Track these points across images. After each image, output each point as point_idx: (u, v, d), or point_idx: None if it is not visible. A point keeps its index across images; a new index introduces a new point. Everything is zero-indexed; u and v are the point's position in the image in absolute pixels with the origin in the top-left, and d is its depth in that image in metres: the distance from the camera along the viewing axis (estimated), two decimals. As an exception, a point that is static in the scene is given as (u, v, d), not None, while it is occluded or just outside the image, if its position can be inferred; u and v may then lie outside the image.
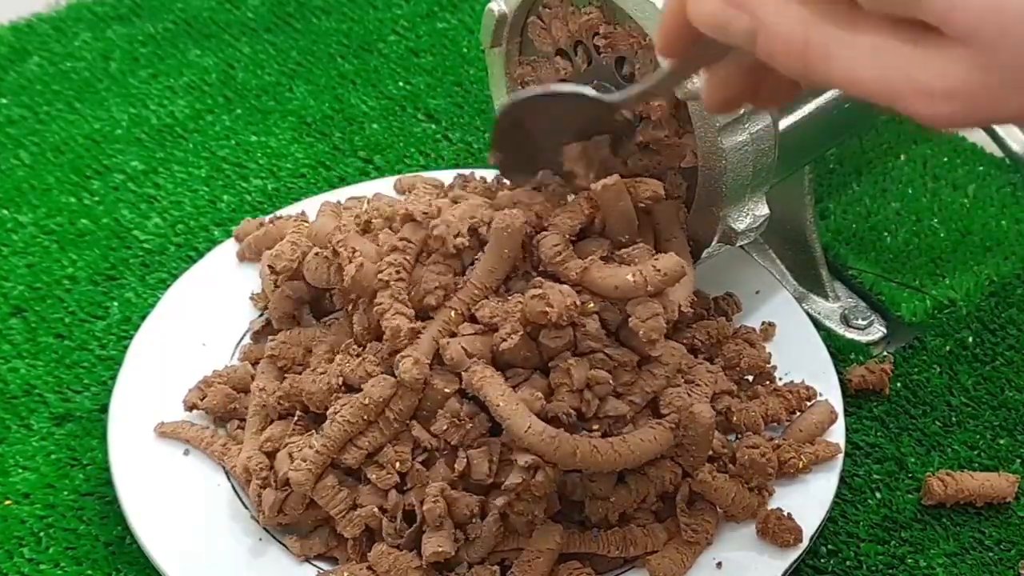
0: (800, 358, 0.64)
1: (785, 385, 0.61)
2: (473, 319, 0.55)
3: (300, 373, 0.58)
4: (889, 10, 0.33)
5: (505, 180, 0.61)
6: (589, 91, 0.52)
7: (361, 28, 0.95)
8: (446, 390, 0.53)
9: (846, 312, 0.70)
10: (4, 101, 0.87)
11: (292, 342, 0.60)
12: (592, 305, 0.54)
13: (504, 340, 0.53)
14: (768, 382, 0.62)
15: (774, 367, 0.62)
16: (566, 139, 0.56)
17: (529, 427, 0.51)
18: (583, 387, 0.53)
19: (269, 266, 0.62)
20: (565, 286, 0.53)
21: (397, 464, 0.54)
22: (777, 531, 0.55)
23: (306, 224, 0.66)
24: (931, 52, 0.33)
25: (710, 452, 0.56)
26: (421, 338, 0.54)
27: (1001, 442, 0.64)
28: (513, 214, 0.54)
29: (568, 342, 0.53)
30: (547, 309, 0.52)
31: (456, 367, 0.53)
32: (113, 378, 0.63)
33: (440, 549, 0.52)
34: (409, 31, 0.95)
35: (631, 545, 0.55)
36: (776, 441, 0.58)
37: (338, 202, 0.70)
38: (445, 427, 0.53)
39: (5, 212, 0.78)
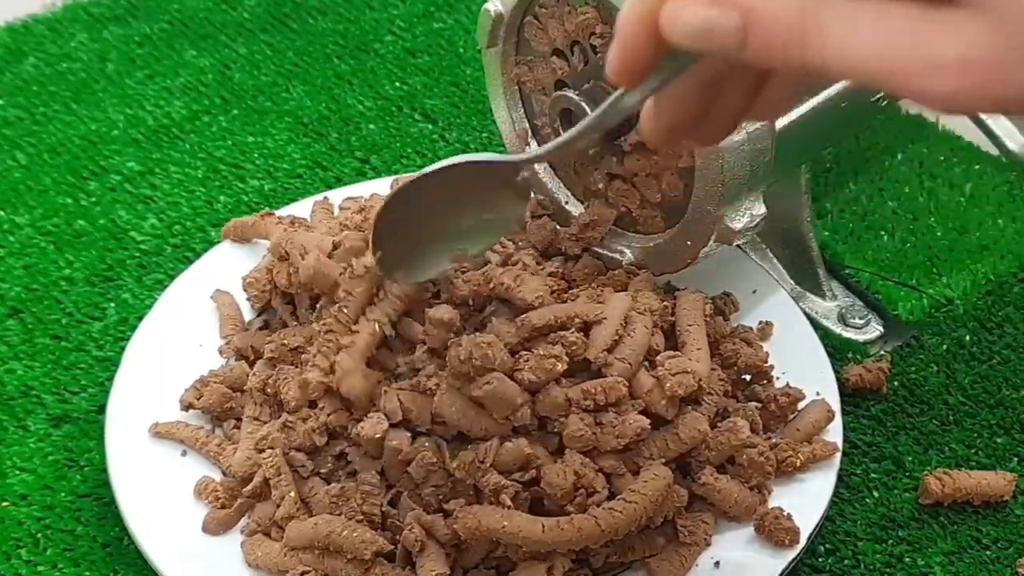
0: (797, 357, 0.64)
1: (767, 394, 0.61)
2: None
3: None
4: None
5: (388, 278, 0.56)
6: (490, 156, 0.48)
7: (357, 28, 0.95)
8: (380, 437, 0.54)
9: (843, 311, 0.70)
10: (0, 102, 0.87)
11: (289, 342, 0.60)
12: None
13: (436, 395, 0.53)
14: (766, 381, 0.62)
15: (771, 367, 0.62)
16: (461, 216, 0.51)
17: (543, 527, 0.51)
18: (576, 479, 0.53)
19: (244, 289, 0.64)
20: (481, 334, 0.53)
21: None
22: (775, 530, 0.55)
23: (289, 224, 0.66)
24: (941, 21, 0.30)
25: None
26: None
27: (998, 441, 0.64)
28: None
29: (506, 400, 0.52)
30: (458, 351, 0.51)
31: (390, 418, 0.53)
32: (110, 379, 0.63)
33: (434, 573, 0.52)
34: (406, 31, 0.95)
35: (629, 551, 0.55)
36: (773, 440, 0.58)
37: (325, 198, 0.70)
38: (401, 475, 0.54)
39: (2, 213, 0.78)
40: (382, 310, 0.56)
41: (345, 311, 0.56)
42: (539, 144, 0.67)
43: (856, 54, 0.31)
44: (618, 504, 0.52)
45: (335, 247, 0.60)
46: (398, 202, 0.49)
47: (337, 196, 0.72)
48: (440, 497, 0.53)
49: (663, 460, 0.55)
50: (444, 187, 0.48)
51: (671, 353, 0.56)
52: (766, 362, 0.62)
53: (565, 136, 0.43)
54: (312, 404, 0.57)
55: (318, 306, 0.59)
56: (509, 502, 0.52)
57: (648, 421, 0.53)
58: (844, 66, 0.31)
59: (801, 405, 0.60)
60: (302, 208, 0.71)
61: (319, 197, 0.72)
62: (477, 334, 0.52)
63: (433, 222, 0.50)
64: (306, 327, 0.60)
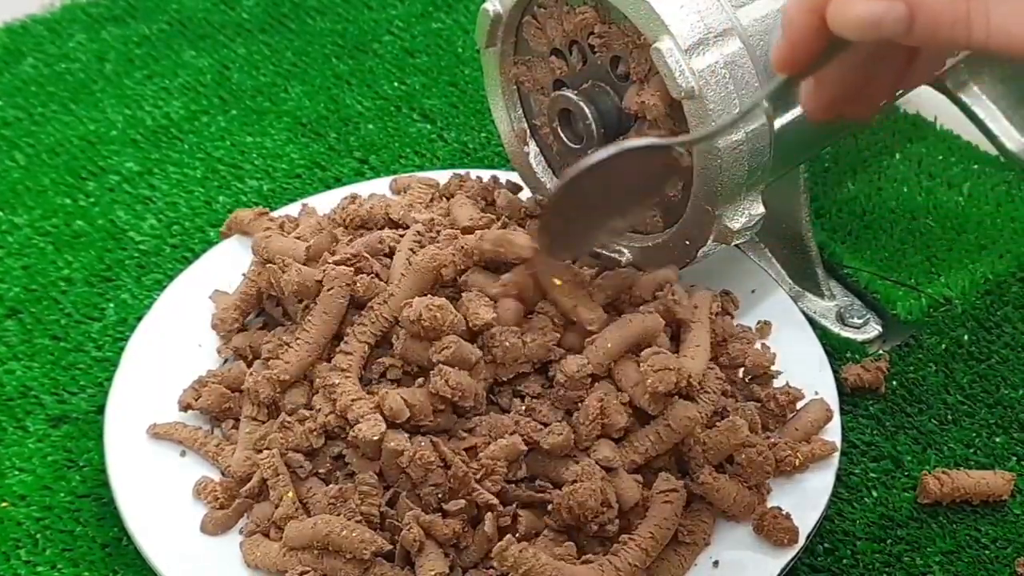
0: (796, 357, 0.64)
1: (767, 392, 0.61)
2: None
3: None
4: None
5: (550, 260, 0.58)
6: (657, 141, 0.50)
7: (356, 29, 0.95)
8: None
9: (842, 310, 0.70)
10: (-1, 103, 0.87)
11: (284, 341, 0.60)
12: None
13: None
14: (765, 381, 0.62)
15: (778, 372, 0.62)
16: (621, 198, 0.53)
17: None
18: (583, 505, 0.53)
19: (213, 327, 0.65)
20: None
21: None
22: (773, 530, 0.55)
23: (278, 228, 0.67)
24: None
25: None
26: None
27: (997, 440, 0.64)
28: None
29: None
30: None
31: (397, 417, 0.54)
32: (109, 379, 0.63)
33: (433, 572, 0.52)
34: (404, 31, 0.95)
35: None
36: (772, 440, 0.58)
37: (304, 205, 0.71)
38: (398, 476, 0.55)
39: (1, 214, 0.78)
40: (370, 329, 0.57)
41: (311, 319, 0.58)
42: (538, 144, 0.67)
43: (1018, 33, 0.33)
44: (645, 541, 0.53)
45: (308, 250, 0.61)
46: (566, 191, 0.50)
47: (336, 196, 0.71)
48: (439, 496, 0.53)
49: (657, 454, 0.55)
50: (603, 171, 0.49)
51: (655, 349, 0.56)
52: (772, 363, 0.62)
53: (728, 119, 0.45)
54: (308, 405, 0.57)
55: (301, 309, 0.60)
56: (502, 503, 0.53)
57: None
58: (1006, 44, 0.34)
59: (800, 404, 0.61)
60: (296, 211, 0.71)
61: (320, 198, 0.72)
62: (429, 296, 0.55)
63: (592, 202, 0.51)
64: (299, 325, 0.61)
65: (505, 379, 0.56)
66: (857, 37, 0.35)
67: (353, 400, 0.54)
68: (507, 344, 0.55)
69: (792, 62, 0.38)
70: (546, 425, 0.55)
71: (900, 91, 0.43)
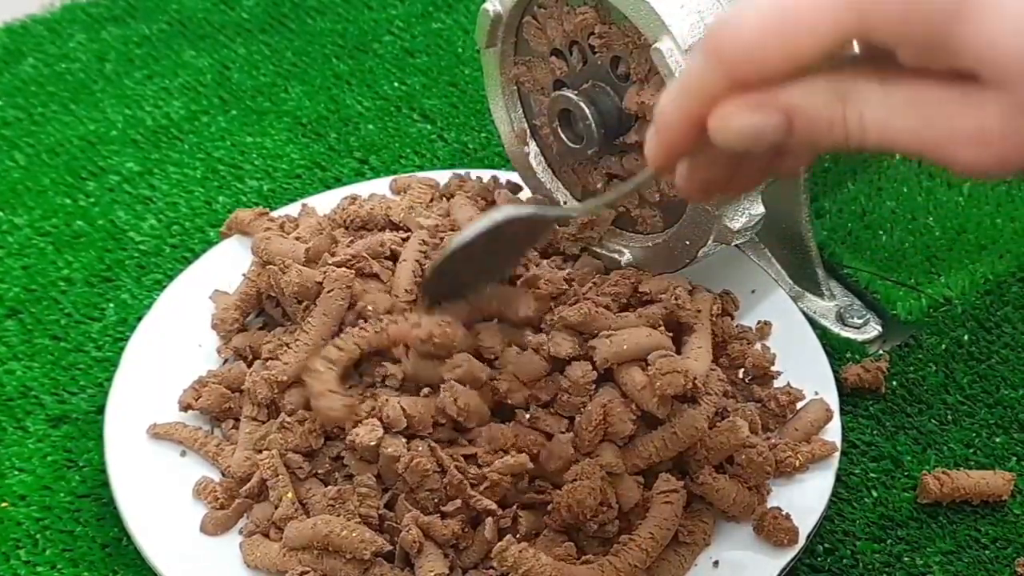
0: (796, 357, 0.64)
1: (768, 392, 0.61)
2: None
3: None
4: (924, 62, 0.33)
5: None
6: (532, 210, 0.52)
7: (356, 29, 0.95)
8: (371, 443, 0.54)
9: (842, 311, 0.70)
10: (-1, 103, 0.87)
11: (284, 341, 0.60)
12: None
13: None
14: (765, 381, 0.62)
15: (778, 372, 0.62)
16: (498, 253, 0.54)
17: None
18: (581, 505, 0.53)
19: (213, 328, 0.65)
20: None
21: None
22: (773, 530, 0.55)
23: (278, 228, 0.67)
24: (966, 98, 0.33)
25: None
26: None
27: (997, 440, 0.64)
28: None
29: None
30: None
31: (393, 426, 0.54)
32: (109, 380, 0.63)
33: (433, 573, 0.52)
34: (404, 31, 0.95)
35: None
36: (772, 440, 0.58)
37: (304, 205, 0.71)
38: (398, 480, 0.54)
39: (1, 214, 0.78)
40: (364, 335, 0.57)
41: (311, 321, 0.58)
42: (538, 144, 0.67)
43: (892, 134, 0.34)
44: (645, 541, 0.53)
45: (307, 252, 0.61)
46: (448, 260, 0.51)
47: (336, 196, 0.72)
48: (436, 501, 0.53)
49: (660, 460, 0.55)
50: (486, 237, 0.49)
51: (663, 352, 0.56)
52: (773, 363, 0.62)
53: (605, 197, 0.49)
54: (308, 406, 0.57)
55: (301, 310, 0.60)
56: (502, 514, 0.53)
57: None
58: (882, 142, 0.35)
59: (800, 405, 0.61)
60: (296, 211, 0.71)
61: (320, 198, 0.72)
62: (436, 315, 0.55)
63: (473, 263, 0.52)
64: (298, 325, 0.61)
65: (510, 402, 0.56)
66: (741, 148, 0.36)
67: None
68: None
69: (665, 160, 0.39)
70: (547, 434, 0.55)
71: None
